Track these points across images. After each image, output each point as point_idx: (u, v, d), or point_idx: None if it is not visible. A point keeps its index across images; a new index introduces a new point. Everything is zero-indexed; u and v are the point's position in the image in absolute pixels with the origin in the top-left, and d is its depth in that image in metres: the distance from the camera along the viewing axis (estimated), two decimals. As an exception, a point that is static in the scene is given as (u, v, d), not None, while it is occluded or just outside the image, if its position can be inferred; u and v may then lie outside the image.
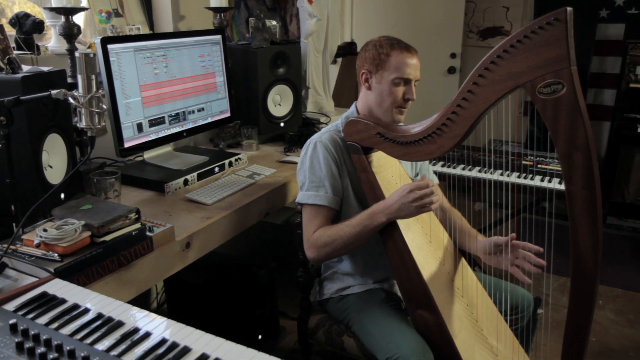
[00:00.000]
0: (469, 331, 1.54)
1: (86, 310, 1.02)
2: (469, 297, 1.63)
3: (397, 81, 1.63)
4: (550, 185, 2.34)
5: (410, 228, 1.61)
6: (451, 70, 4.23)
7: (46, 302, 1.05)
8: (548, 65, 1.18)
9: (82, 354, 0.86)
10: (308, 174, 1.66)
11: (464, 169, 2.52)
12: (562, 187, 2.31)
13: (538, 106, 1.20)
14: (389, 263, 1.58)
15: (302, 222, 1.69)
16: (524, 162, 2.49)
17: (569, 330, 1.33)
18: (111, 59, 1.79)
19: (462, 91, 1.32)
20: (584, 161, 1.19)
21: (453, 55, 4.21)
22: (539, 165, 2.46)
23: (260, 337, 2.35)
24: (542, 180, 2.38)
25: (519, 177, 2.43)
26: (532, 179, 2.40)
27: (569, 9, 1.14)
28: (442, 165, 2.55)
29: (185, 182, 1.92)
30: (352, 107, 1.78)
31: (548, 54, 1.17)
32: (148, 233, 1.44)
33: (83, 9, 1.85)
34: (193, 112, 2.17)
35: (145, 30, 2.40)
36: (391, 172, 1.70)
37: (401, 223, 1.54)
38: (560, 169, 2.41)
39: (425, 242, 1.65)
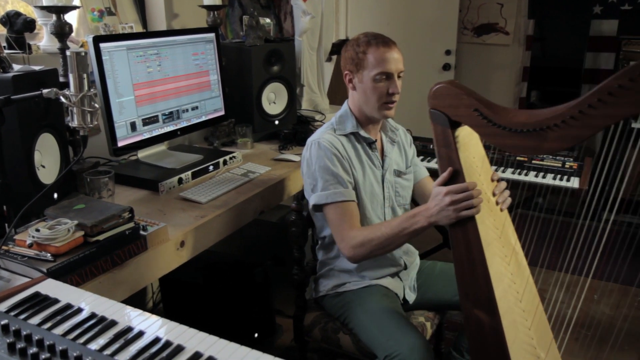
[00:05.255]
0: (522, 340, 1.44)
1: (79, 310, 1.02)
2: (526, 302, 1.50)
3: (378, 77, 1.62)
4: (545, 181, 2.34)
5: (484, 221, 1.44)
6: (446, 67, 4.22)
7: (39, 302, 1.05)
8: None
9: (75, 354, 0.86)
10: (320, 173, 1.63)
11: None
12: (557, 182, 2.32)
13: None
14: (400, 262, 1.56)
15: (329, 224, 1.64)
16: (518, 157, 2.49)
17: None
18: (103, 57, 1.78)
19: (598, 91, 1.15)
20: None
21: (448, 52, 4.21)
22: (533, 161, 2.46)
23: (256, 335, 2.35)
24: (536, 176, 2.38)
25: (513, 172, 2.43)
26: (526, 174, 2.40)
27: None
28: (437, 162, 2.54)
29: (180, 181, 1.92)
30: (345, 105, 1.77)
31: None
32: (142, 232, 1.43)
33: (74, 8, 1.84)
34: (187, 110, 2.16)
35: (138, 28, 2.39)
36: (472, 152, 1.50)
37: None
38: (554, 164, 2.42)
39: (495, 237, 1.49)
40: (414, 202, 1.92)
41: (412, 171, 1.86)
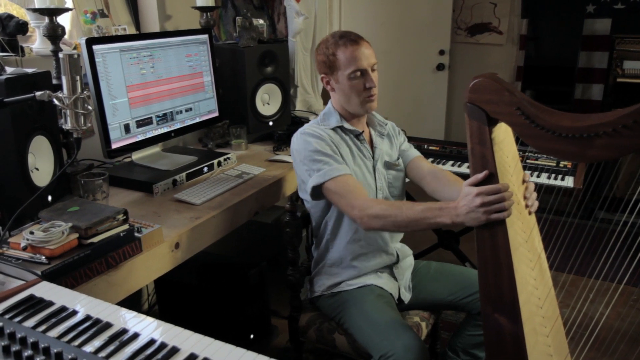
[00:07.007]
0: (540, 350, 1.39)
1: (74, 313, 1.02)
2: (546, 309, 1.45)
3: (353, 75, 1.65)
4: (540, 180, 2.35)
5: (513, 225, 1.37)
6: (440, 67, 4.23)
7: (33, 305, 1.04)
8: None
9: (70, 356, 0.86)
10: (313, 157, 1.64)
11: (453, 165, 2.53)
12: (551, 181, 2.33)
13: None
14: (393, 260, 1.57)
15: (335, 199, 1.61)
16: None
17: None
18: (97, 59, 1.77)
19: None
20: None
21: (442, 52, 4.22)
22: (528, 160, 2.47)
23: (252, 336, 2.35)
24: (531, 175, 2.39)
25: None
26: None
27: None
28: (432, 161, 2.55)
29: (174, 183, 1.92)
30: (329, 104, 1.79)
31: None
32: (136, 234, 1.43)
33: (67, 10, 1.83)
34: (181, 112, 2.16)
35: (131, 30, 2.39)
36: (506, 152, 1.42)
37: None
38: (549, 163, 2.43)
39: (522, 241, 1.43)
40: (409, 185, 1.92)
41: (401, 162, 1.88)
